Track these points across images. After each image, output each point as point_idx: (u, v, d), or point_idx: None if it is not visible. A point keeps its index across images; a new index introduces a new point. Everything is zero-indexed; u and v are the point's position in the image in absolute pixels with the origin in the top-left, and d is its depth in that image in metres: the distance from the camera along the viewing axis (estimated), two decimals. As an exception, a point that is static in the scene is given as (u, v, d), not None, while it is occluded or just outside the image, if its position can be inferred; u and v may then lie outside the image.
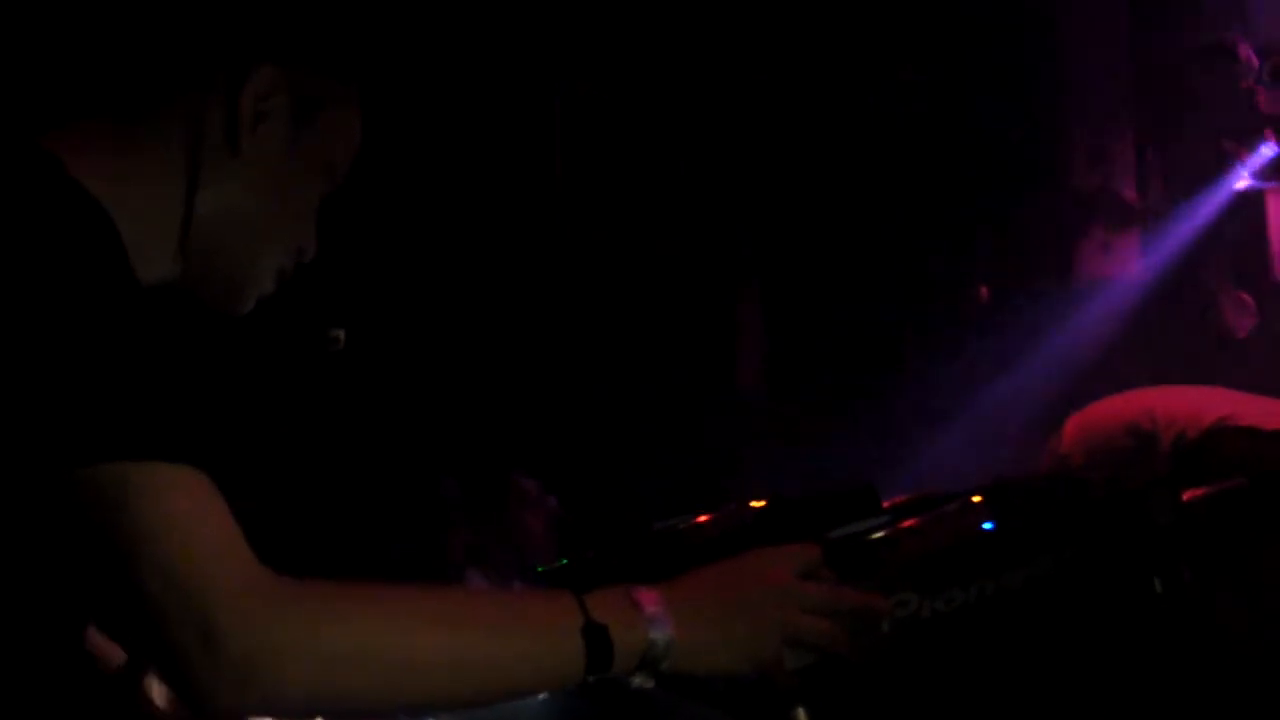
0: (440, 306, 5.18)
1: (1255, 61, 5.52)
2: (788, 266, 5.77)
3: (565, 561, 1.93)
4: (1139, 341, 5.52)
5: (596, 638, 1.44)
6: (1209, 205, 5.73)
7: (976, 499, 1.72)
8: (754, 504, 2.00)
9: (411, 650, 1.38)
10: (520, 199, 5.35)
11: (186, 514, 1.31)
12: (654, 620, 1.46)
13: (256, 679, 1.31)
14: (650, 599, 1.47)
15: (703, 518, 2.01)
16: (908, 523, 1.67)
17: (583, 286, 5.42)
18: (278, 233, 1.59)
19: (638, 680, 1.47)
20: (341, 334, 3.87)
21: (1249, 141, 5.63)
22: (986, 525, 1.62)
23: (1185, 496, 1.83)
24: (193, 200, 1.51)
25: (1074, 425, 2.94)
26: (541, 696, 1.90)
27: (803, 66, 5.65)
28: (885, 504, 1.84)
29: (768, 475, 4.80)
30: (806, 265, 5.79)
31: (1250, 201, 5.71)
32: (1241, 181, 5.63)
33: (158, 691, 1.76)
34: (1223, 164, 5.72)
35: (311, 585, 1.37)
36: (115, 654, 1.71)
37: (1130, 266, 5.72)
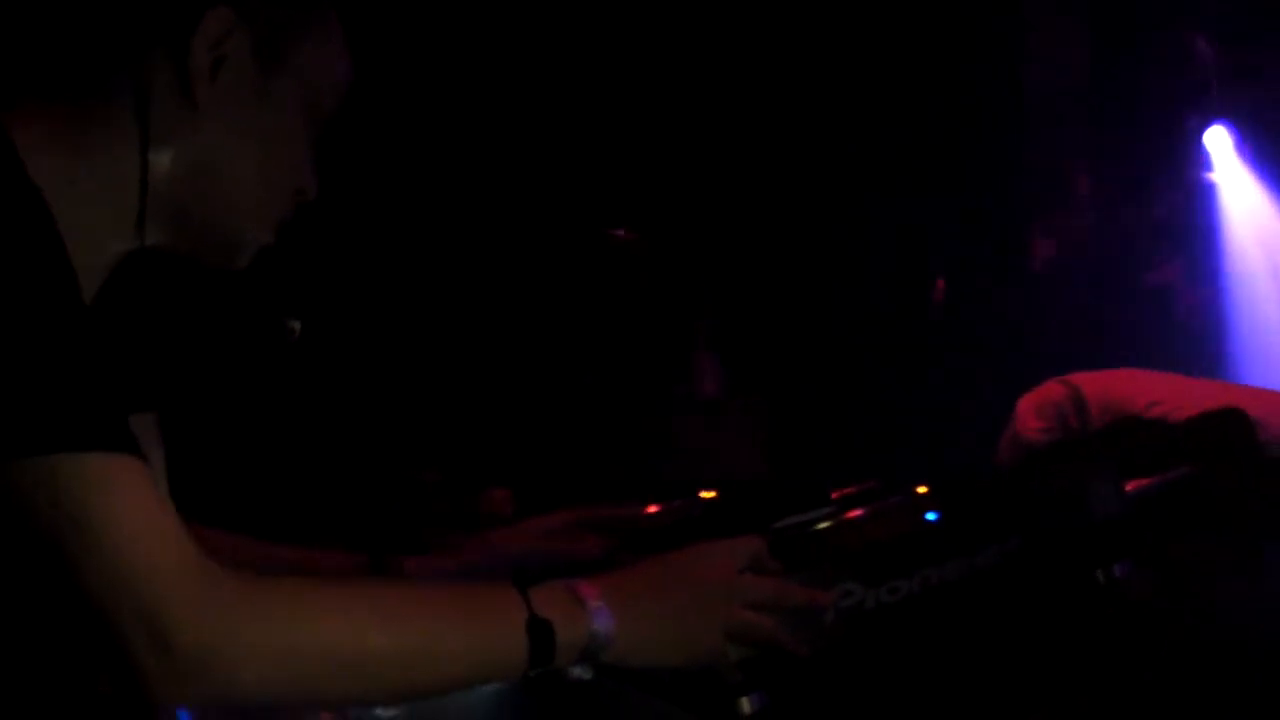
0: (399, 299, 5.17)
1: (1211, 53, 5.55)
2: (744, 265, 5.78)
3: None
4: (1093, 329, 5.55)
5: (540, 632, 1.44)
6: (1164, 195, 5.76)
7: (921, 490, 1.74)
8: (703, 495, 2.02)
9: (360, 645, 1.38)
10: (481, 194, 5.34)
11: (127, 505, 1.29)
12: (596, 614, 1.46)
13: (207, 674, 1.30)
14: (592, 593, 1.48)
15: (653, 508, 2.02)
16: (853, 513, 1.68)
17: (541, 282, 5.42)
18: (263, 180, 1.51)
19: (577, 671, 1.48)
20: (298, 324, 3.86)
21: (1204, 132, 5.67)
22: (930, 516, 1.63)
23: (1128, 487, 1.85)
24: (148, 164, 1.43)
25: (1024, 406, 2.99)
26: (492, 688, 1.92)
27: (758, 65, 5.66)
28: (833, 495, 1.86)
29: (718, 468, 4.81)
30: (762, 263, 5.80)
31: (1205, 192, 5.74)
32: (1196, 172, 5.66)
33: None
34: (1178, 154, 5.76)
35: (259, 578, 1.37)
36: None
37: (1084, 256, 5.75)
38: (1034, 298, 5.77)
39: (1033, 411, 3.03)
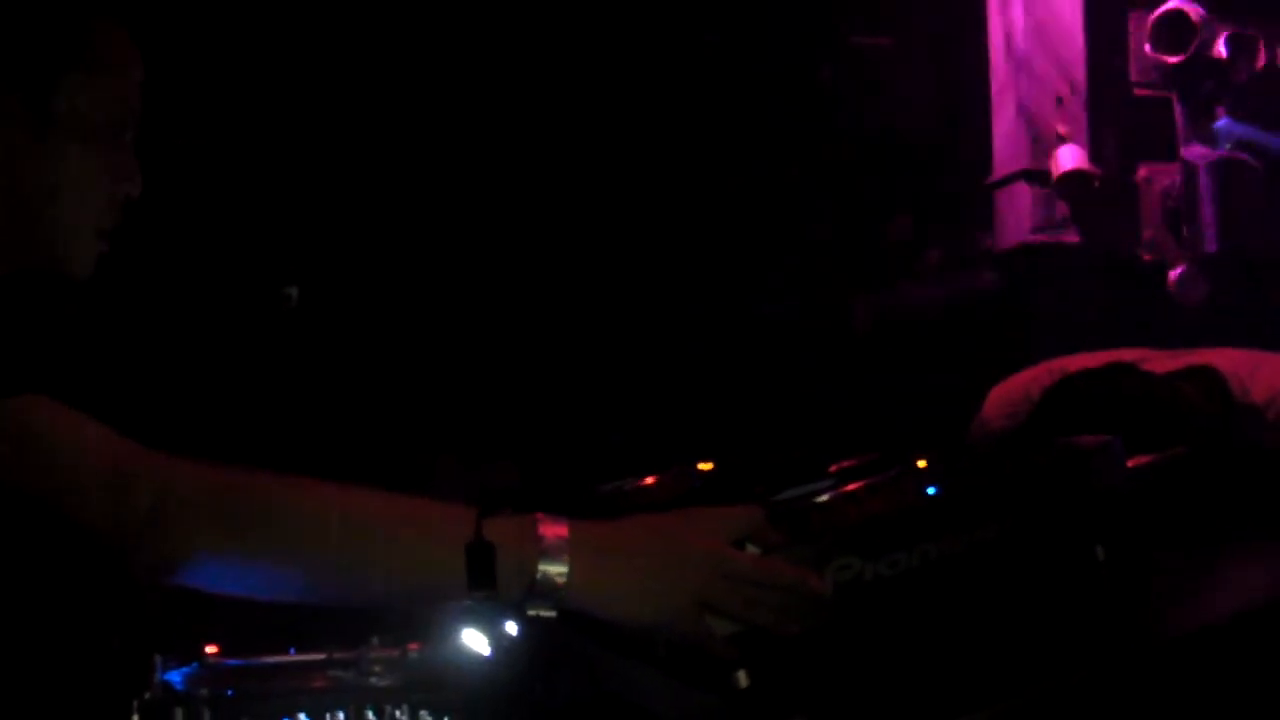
0: (394, 269, 5.16)
1: (1213, 31, 5.53)
2: (736, 245, 5.77)
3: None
4: (1089, 311, 5.54)
5: (480, 555, 1.47)
6: (1164, 174, 5.74)
7: (921, 463, 1.73)
8: (701, 466, 2.01)
9: (301, 532, 1.48)
10: (479, 164, 5.33)
11: (64, 418, 1.49)
12: (549, 551, 1.48)
13: (164, 519, 1.46)
14: (554, 531, 1.49)
15: (649, 479, 2.01)
16: (852, 486, 1.67)
17: (534, 251, 5.41)
18: (70, 205, 1.70)
19: (533, 609, 1.49)
20: (295, 291, 3.85)
21: (1206, 113, 5.64)
22: (930, 490, 1.62)
23: (1130, 463, 1.84)
24: None
25: (993, 395, 3.01)
26: (487, 655, 1.91)
27: (728, 46, 5.63)
28: (831, 468, 1.84)
29: (717, 440, 4.80)
30: (750, 242, 5.79)
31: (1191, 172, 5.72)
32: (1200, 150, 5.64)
33: None
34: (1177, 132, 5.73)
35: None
36: None
37: (1080, 237, 5.72)
38: (1032, 278, 5.76)
39: (999, 400, 3.04)
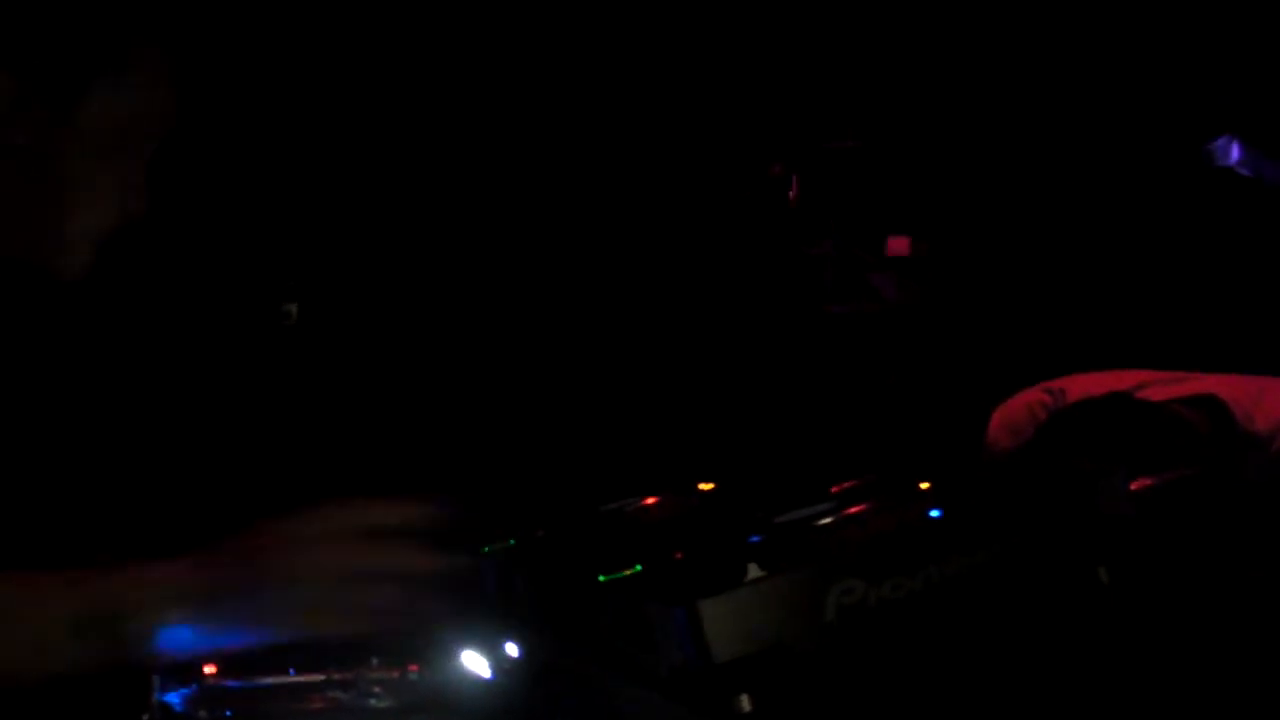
0: (396, 285, 5.15)
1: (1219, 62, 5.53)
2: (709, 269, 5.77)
3: (513, 542, 1.92)
4: (1088, 325, 5.55)
5: (91, 627, 1.50)
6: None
7: (924, 485, 1.72)
8: (702, 486, 2.00)
9: None
10: (481, 173, 5.33)
11: None
12: (137, 604, 1.52)
13: None
14: (163, 576, 1.53)
15: (650, 499, 2.00)
16: (855, 508, 1.67)
17: (539, 259, 5.41)
18: (71, 214, 1.68)
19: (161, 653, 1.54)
20: (294, 308, 3.84)
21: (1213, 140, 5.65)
22: (934, 512, 1.62)
23: (1134, 485, 1.83)
24: None
25: (995, 420, 3.00)
26: (488, 677, 1.90)
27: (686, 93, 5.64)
28: (833, 489, 1.84)
29: (717, 460, 4.80)
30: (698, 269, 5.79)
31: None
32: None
33: None
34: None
35: None
36: None
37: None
38: (1028, 295, 5.76)
39: (1002, 421, 3.03)
